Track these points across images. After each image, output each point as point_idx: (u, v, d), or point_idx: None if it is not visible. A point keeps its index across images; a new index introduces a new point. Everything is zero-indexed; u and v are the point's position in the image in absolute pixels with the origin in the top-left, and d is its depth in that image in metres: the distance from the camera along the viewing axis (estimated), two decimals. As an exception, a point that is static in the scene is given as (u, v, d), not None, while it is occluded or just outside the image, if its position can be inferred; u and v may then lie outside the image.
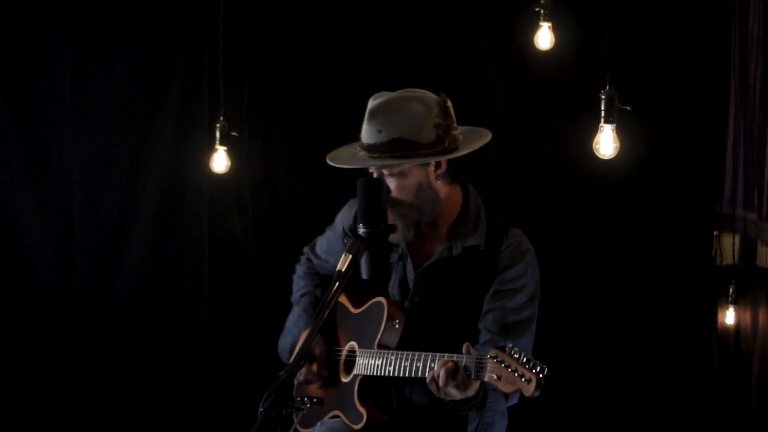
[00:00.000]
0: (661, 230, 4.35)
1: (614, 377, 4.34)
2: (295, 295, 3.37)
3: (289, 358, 3.23)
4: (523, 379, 2.50)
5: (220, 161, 4.47)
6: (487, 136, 3.04)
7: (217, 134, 4.43)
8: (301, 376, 3.07)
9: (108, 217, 4.70)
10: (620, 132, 3.78)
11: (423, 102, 2.93)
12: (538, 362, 2.51)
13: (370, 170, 2.99)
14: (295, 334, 3.24)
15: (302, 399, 2.50)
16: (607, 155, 3.80)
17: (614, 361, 4.35)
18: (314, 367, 3.08)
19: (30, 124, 4.67)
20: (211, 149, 4.47)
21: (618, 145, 3.78)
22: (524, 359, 2.52)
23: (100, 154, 4.70)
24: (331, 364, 3.13)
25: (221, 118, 4.45)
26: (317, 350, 3.10)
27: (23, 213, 4.68)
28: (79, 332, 4.69)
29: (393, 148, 2.90)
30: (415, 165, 2.92)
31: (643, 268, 4.34)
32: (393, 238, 2.87)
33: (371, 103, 2.96)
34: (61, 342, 4.68)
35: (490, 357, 2.58)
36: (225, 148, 4.45)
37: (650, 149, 4.22)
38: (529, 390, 2.50)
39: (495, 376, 2.56)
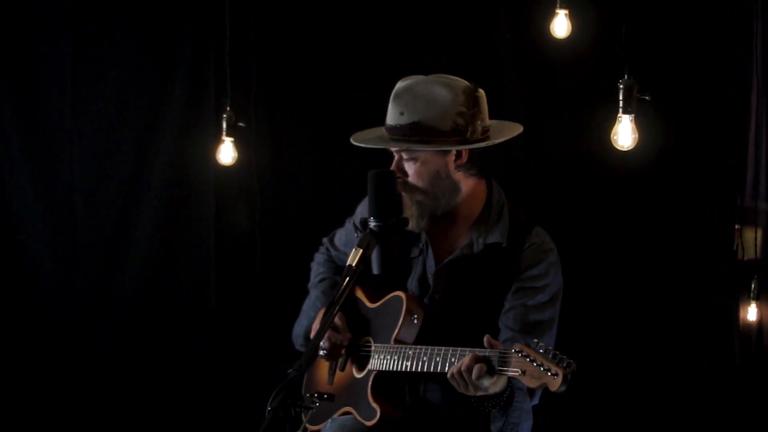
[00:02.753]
0: (681, 224, 4.31)
1: (633, 373, 4.31)
2: (313, 281, 3.33)
3: (302, 344, 3.21)
4: (549, 374, 2.48)
5: (226, 153, 4.41)
6: (515, 131, 3.01)
7: (224, 125, 4.37)
8: (326, 343, 3.02)
9: (111, 212, 4.66)
10: (639, 123, 3.74)
11: (449, 88, 2.89)
12: (564, 357, 2.48)
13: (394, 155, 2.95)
14: (312, 315, 3.20)
15: (312, 396, 2.47)
16: (625, 146, 3.77)
17: (632, 357, 4.31)
18: (338, 333, 3.04)
19: (31, 120, 4.62)
20: (218, 140, 4.42)
21: (636, 136, 3.75)
22: (551, 354, 2.49)
23: (102, 147, 4.65)
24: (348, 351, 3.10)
25: (228, 109, 4.39)
26: (338, 321, 3.04)
27: (24, 210, 4.63)
28: (79, 332, 4.65)
29: (412, 132, 2.87)
30: (431, 152, 2.87)
31: (663, 262, 4.30)
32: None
33: (398, 85, 2.94)
34: (61, 342, 4.65)
35: (515, 351, 2.56)
36: (232, 139, 4.40)
37: (670, 140, 4.17)
38: (556, 384, 2.47)
39: (519, 371, 2.54)
